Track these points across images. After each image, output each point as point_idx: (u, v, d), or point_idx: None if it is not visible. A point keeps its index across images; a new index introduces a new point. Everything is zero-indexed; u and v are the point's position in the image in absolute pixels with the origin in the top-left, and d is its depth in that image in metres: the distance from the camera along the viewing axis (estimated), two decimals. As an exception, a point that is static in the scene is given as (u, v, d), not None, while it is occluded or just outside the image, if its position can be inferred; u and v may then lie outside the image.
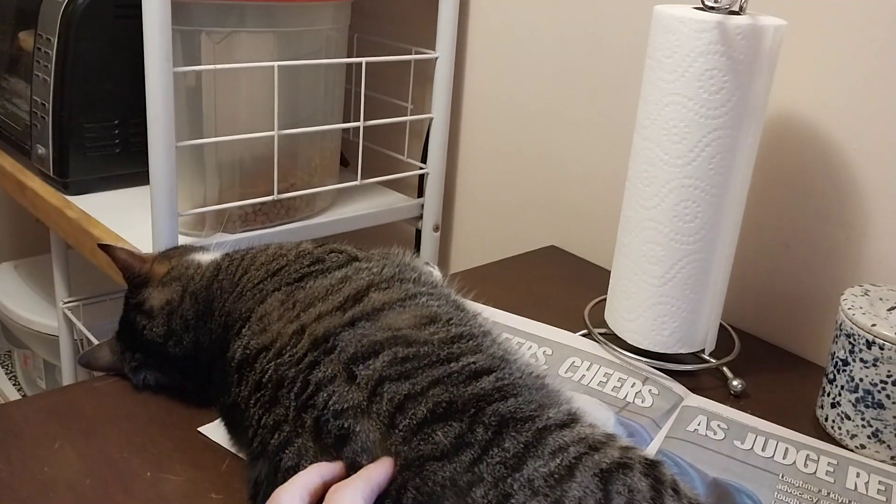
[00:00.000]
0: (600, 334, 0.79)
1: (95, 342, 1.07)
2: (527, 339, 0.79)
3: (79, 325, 1.10)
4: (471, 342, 0.53)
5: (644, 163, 0.72)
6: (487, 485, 0.44)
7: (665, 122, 0.69)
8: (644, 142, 0.71)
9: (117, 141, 1.05)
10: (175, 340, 0.62)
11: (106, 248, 0.68)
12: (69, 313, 1.13)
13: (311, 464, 0.48)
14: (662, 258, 0.72)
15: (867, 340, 0.65)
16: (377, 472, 0.45)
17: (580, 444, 0.46)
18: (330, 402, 0.49)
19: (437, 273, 0.70)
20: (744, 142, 0.69)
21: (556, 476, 0.44)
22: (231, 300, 0.60)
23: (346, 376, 0.50)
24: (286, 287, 0.59)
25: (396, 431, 0.47)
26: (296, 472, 0.47)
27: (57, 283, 1.15)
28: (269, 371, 0.53)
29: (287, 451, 0.50)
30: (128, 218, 0.95)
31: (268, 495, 0.49)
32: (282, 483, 0.47)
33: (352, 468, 0.47)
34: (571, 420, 0.48)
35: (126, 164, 1.05)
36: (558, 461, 0.44)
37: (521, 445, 0.45)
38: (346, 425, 0.48)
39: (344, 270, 0.60)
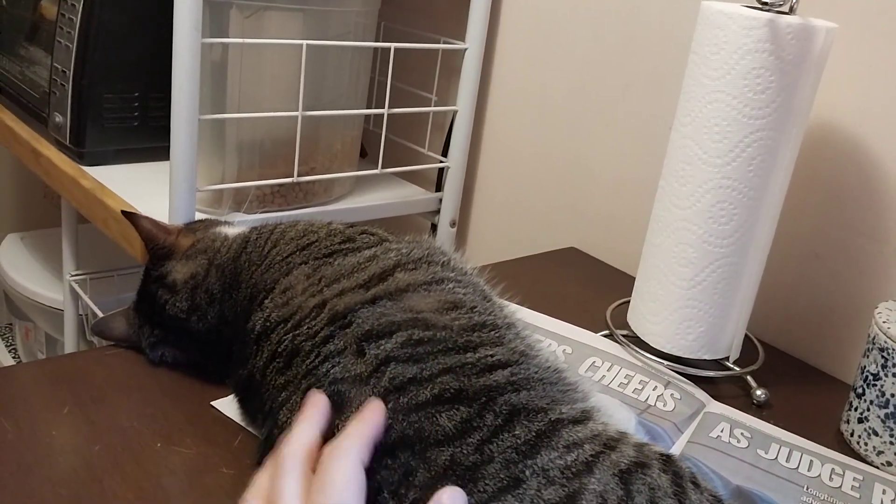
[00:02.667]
0: (623, 336, 0.77)
1: (101, 316, 1.05)
2: (546, 336, 0.77)
3: (85, 298, 1.09)
4: (492, 333, 0.51)
5: (681, 161, 0.70)
6: (497, 465, 0.42)
7: (706, 120, 0.67)
8: (683, 139, 0.70)
9: (136, 114, 1.03)
10: (199, 316, 0.61)
11: (130, 216, 0.66)
12: (76, 286, 1.11)
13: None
14: (694, 260, 0.71)
15: (902, 355, 0.63)
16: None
17: (594, 441, 0.44)
18: (331, 371, 0.48)
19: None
20: (785, 145, 0.68)
21: (573, 470, 0.42)
22: (258, 272, 0.59)
23: (354, 350, 0.49)
24: (314, 262, 0.57)
25: (388, 406, 0.45)
26: (288, 425, 0.46)
27: (65, 255, 1.13)
28: (286, 342, 0.52)
29: (284, 409, 0.49)
30: (143, 191, 0.93)
31: (265, 453, 0.48)
32: (277, 439, 0.46)
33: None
34: (584, 417, 0.47)
35: (143, 139, 1.04)
36: (574, 456, 0.43)
37: (534, 434, 0.44)
38: (340, 390, 0.47)
39: (373, 250, 0.58)
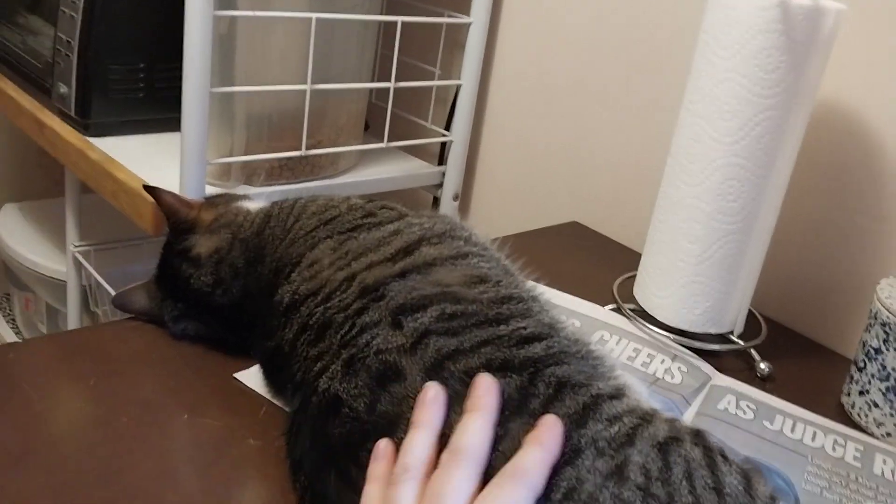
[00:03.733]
0: (630, 310, 0.79)
1: (106, 287, 1.06)
2: (559, 313, 0.78)
3: (90, 269, 1.09)
4: (520, 305, 0.53)
5: (690, 139, 0.71)
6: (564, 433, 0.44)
7: (716, 99, 0.68)
8: (692, 118, 0.71)
9: (142, 85, 1.02)
10: (223, 289, 0.62)
11: (152, 190, 0.67)
12: (80, 257, 1.11)
13: (343, 388, 0.47)
14: (701, 237, 0.72)
15: (904, 330, 0.65)
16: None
17: (632, 414, 0.46)
18: (372, 342, 0.49)
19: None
20: (793, 124, 0.69)
21: (617, 441, 0.44)
22: (283, 246, 0.60)
23: (390, 322, 0.50)
24: (338, 236, 0.58)
25: (448, 373, 0.46)
26: (329, 392, 0.47)
27: (69, 226, 1.13)
28: (318, 314, 0.53)
29: (323, 377, 0.49)
30: (151, 163, 0.93)
31: (298, 423, 0.50)
32: (313, 414, 0.47)
33: (395, 405, 0.46)
34: (620, 393, 0.48)
35: (148, 110, 1.03)
36: (616, 428, 0.44)
37: (581, 406, 0.45)
38: (389, 359, 0.47)
39: (396, 224, 0.59)
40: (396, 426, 0.46)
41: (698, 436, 0.46)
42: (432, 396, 0.45)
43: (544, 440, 0.43)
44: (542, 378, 0.46)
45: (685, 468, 0.43)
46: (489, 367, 0.46)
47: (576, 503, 0.41)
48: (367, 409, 0.47)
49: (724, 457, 0.45)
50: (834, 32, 0.67)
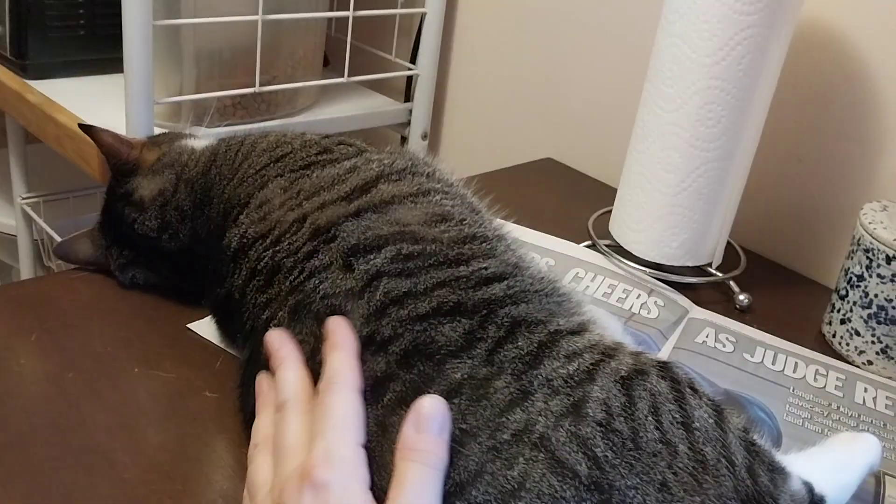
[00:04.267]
0: (605, 245, 0.76)
1: (59, 240, 1.01)
2: (529, 249, 0.75)
3: (40, 222, 1.03)
4: (483, 244, 0.50)
5: (668, 61, 0.67)
6: (508, 377, 0.41)
7: (695, 17, 0.65)
8: (670, 38, 0.67)
9: (82, 22, 0.96)
10: (170, 234, 0.57)
11: (89, 130, 0.61)
12: (29, 210, 1.05)
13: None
14: (679, 165, 0.69)
15: (887, 255, 0.63)
16: (348, 344, 0.43)
17: (593, 350, 0.44)
18: (320, 287, 0.46)
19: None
20: (775, 43, 0.65)
21: (575, 378, 0.41)
22: (231, 187, 0.56)
23: (341, 264, 0.46)
24: (290, 174, 0.54)
25: (388, 320, 0.43)
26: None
27: (14, 177, 1.07)
28: (266, 258, 0.50)
29: (270, 327, 0.47)
30: (95, 106, 0.87)
31: (249, 374, 0.48)
32: (261, 363, 0.46)
33: None
34: (581, 328, 0.46)
35: (91, 50, 0.97)
36: (575, 365, 0.42)
37: (535, 345, 0.43)
38: (333, 304, 0.45)
39: (353, 161, 0.55)
40: None
41: (665, 368, 0.43)
42: (278, 341, 0.46)
43: (337, 341, 0.43)
44: (495, 319, 0.44)
45: (651, 402, 0.41)
46: (439, 311, 0.43)
47: (527, 446, 0.39)
48: (310, 357, 0.44)
49: (694, 389, 0.42)
50: (817, -57, 0.63)
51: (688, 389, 0.43)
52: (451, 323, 0.43)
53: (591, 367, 0.42)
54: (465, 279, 0.46)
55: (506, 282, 0.46)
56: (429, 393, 0.40)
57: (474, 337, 0.43)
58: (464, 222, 0.51)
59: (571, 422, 0.39)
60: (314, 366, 0.44)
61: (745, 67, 0.65)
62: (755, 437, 0.43)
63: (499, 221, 0.57)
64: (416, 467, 0.38)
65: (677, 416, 0.41)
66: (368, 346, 0.43)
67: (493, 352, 0.42)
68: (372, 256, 0.46)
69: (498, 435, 0.39)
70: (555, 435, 0.39)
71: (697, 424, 0.41)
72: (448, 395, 0.40)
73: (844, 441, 0.49)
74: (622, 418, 0.40)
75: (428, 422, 0.39)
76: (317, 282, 0.46)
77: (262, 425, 0.44)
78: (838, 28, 0.76)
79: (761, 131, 0.71)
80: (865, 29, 0.74)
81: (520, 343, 0.43)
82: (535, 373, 0.41)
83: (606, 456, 0.38)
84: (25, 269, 1.13)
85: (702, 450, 0.40)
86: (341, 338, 0.43)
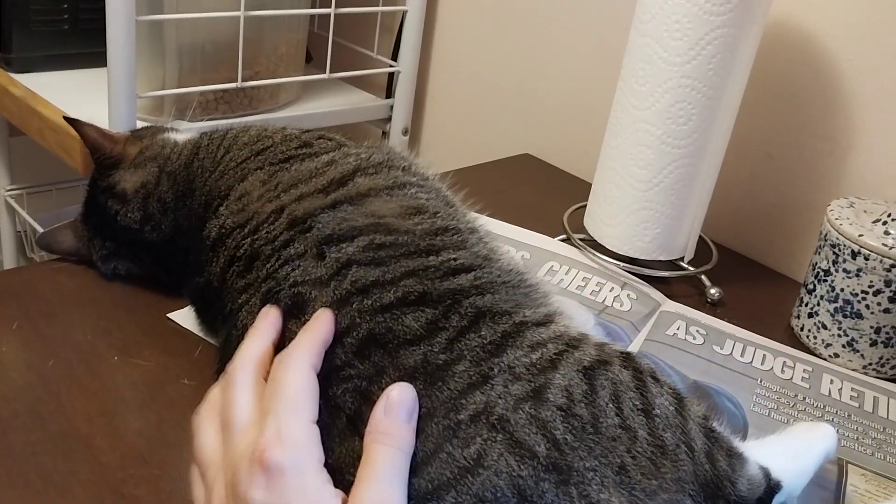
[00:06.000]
0: (579, 240, 0.77)
1: (41, 231, 1.01)
2: (504, 243, 0.77)
3: (23, 214, 1.04)
4: (455, 237, 0.51)
5: (641, 61, 0.69)
6: (467, 363, 0.42)
7: (666, 18, 0.66)
8: (642, 38, 0.68)
9: (66, 16, 0.97)
10: (152, 225, 0.58)
11: (74, 123, 0.62)
12: (12, 201, 1.06)
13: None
14: (651, 161, 0.70)
15: (853, 251, 0.65)
16: (319, 330, 0.43)
17: (557, 341, 0.45)
18: (291, 275, 0.47)
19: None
20: (745, 43, 0.67)
21: (538, 366, 0.43)
22: (212, 179, 0.57)
23: (314, 253, 0.47)
24: (269, 167, 0.55)
25: (350, 309, 0.44)
26: (246, 329, 0.46)
27: (-3, 169, 1.08)
28: (245, 246, 0.51)
29: (242, 311, 0.48)
30: (79, 99, 0.88)
31: (223, 359, 0.48)
32: (234, 346, 0.45)
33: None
34: (547, 320, 0.47)
35: (75, 44, 0.98)
36: (538, 354, 0.43)
37: (499, 335, 0.44)
38: (301, 292, 0.46)
39: (331, 154, 0.56)
40: None
41: (628, 359, 0.44)
42: (262, 314, 0.46)
43: (309, 325, 0.43)
44: (459, 309, 0.44)
45: (612, 391, 0.42)
46: (404, 301, 0.44)
47: (485, 426, 0.40)
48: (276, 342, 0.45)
49: (655, 378, 0.44)
50: (785, -55, 0.65)
51: (649, 378, 0.44)
52: (413, 313, 0.44)
53: (554, 356, 0.43)
54: (433, 269, 0.47)
55: (473, 273, 0.47)
56: (383, 382, 0.41)
57: (436, 326, 0.43)
58: (437, 215, 0.52)
59: (532, 405, 0.40)
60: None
61: (715, 67, 0.67)
62: (714, 425, 0.44)
63: (473, 215, 0.58)
64: (385, 450, 0.39)
65: (638, 403, 0.42)
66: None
67: (454, 340, 0.43)
68: (344, 245, 0.47)
69: (454, 416, 0.40)
70: (514, 416, 0.40)
71: (658, 411, 0.42)
72: (402, 381, 0.41)
73: (802, 430, 0.50)
74: (583, 404, 0.41)
75: (397, 407, 0.40)
76: (289, 269, 0.47)
77: (214, 392, 0.44)
78: (807, 28, 0.77)
79: (732, 129, 0.72)
80: (834, 29, 0.76)
81: (483, 332, 0.44)
82: (496, 360, 0.42)
83: (566, 438, 0.40)
84: (8, 261, 1.13)
85: (661, 435, 0.41)
86: (317, 323, 0.44)
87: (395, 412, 0.40)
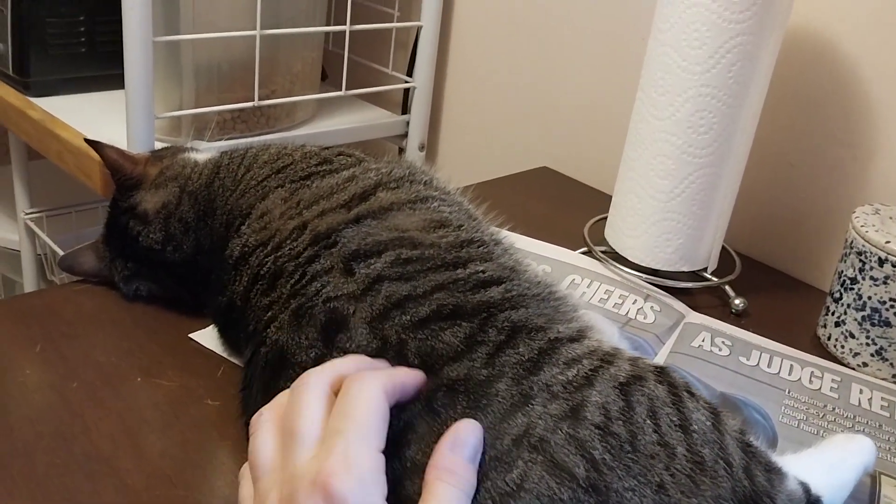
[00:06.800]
0: (601, 252, 0.77)
1: (62, 254, 1.02)
2: (525, 257, 0.76)
3: (43, 237, 1.04)
4: (481, 248, 0.50)
5: (659, 70, 0.68)
6: (508, 380, 0.42)
7: (686, 27, 0.66)
8: (661, 47, 0.68)
9: (83, 39, 0.97)
10: (174, 246, 0.59)
11: (95, 145, 0.63)
12: (32, 225, 1.06)
13: (291, 340, 0.45)
14: (672, 171, 0.70)
15: (879, 258, 0.64)
16: (407, 376, 0.41)
17: (592, 356, 0.44)
18: (322, 291, 0.46)
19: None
20: (765, 50, 0.66)
21: (574, 384, 0.42)
22: (233, 198, 0.57)
23: (342, 269, 0.47)
24: (290, 185, 0.55)
25: (391, 324, 0.44)
26: (277, 344, 0.45)
27: (17, 192, 1.08)
28: (268, 264, 0.51)
29: (271, 327, 0.47)
30: (97, 122, 0.89)
31: (250, 376, 0.48)
32: (262, 365, 0.45)
33: (340, 355, 0.43)
34: (580, 335, 0.47)
35: (92, 66, 0.99)
36: (574, 371, 0.43)
37: (536, 352, 0.43)
38: (336, 307, 0.45)
39: (352, 170, 0.56)
40: None
41: (662, 373, 0.44)
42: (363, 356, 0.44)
43: (400, 368, 0.42)
44: (495, 323, 0.44)
45: (649, 406, 0.41)
46: (439, 314, 0.44)
47: (526, 448, 0.39)
48: (315, 362, 0.44)
49: (691, 393, 0.43)
50: (803, -49, 0.64)
51: (685, 393, 0.43)
52: (451, 328, 0.43)
53: (590, 372, 0.43)
54: (462, 282, 0.46)
55: (503, 285, 0.47)
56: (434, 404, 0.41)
57: (475, 340, 0.43)
58: (461, 228, 0.52)
59: (570, 425, 0.40)
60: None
61: (735, 75, 0.66)
62: (751, 439, 0.43)
63: (495, 227, 0.58)
64: (449, 489, 0.37)
65: (675, 419, 0.41)
66: (383, 353, 0.43)
67: (495, 355, 0.43)
68: (372, 261, 0.47)
69: (499, 444, 0.40)
70: (553, 437, 0.39)
71: (695, 427, 0.41)
72: (448, 395, 0.41)
73: (840, 442, 0.49)
74: (620, 422, 0.40)
75: (463, 445, 0.39)
76: (319, 286, 0.47)
77: (281, 396, 0.41)
78: (828, 35, 0.77)
79: (753, 137, 0.72)
80: (855, 35, 0.75)
81: (520, 349, 0.43)
82: (534, 378, 0.42)
83: (604, 458, 0.39)
84: (29, 284, 1.14)
85: (699, 451, 0.40)
86: (406, 371, 0.42)
87: (462, 450, 0.38)
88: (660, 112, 0.69)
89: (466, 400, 0.41)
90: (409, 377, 0.42)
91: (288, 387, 0.42)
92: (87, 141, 0.64)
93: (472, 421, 0.40)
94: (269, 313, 0.48)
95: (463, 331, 0.43)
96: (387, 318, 0.44)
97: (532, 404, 0.41)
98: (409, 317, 0.44)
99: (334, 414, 0.38)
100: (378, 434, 0.38)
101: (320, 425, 0.38)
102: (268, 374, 0.46)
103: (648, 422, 0.41)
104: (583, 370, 0.43)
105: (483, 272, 0.48)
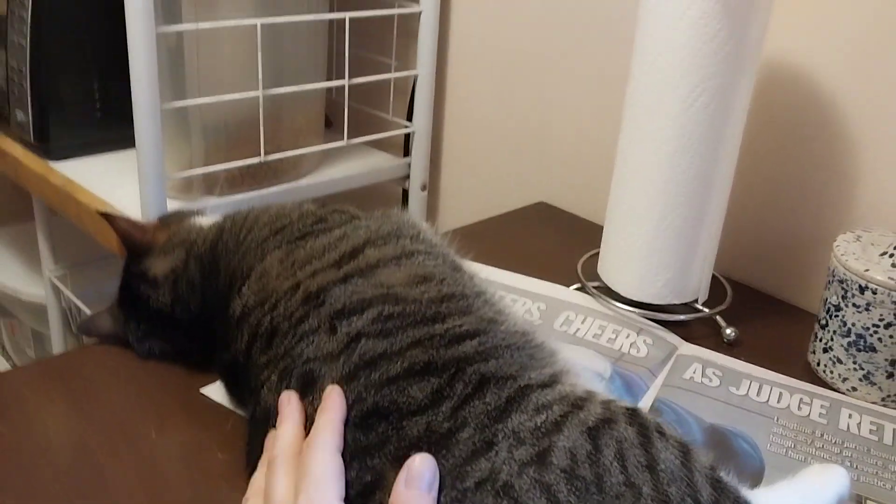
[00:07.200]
0: (594, 287, 0.79)
1: (84, 309, 1.07)
2: (521, 295, 0.79)
3: (67, 293, 1.09)
4: (461, 302, 0.53)
5: (639, 112, 0.71)
6: (471, 429, 0.44)
7: (660, 71, 0.69)
8: (638, 91, 0.71)
9: (98, 104, 1.03)
10: (182, 307, 0.62)
11: (107, 218, 0.67)
12: (56, 282, 1.11)
13: (274, 400, 0.50)
14: (656, 209, 0.73)
15: (860, 286, 0.66)
16: (335, 409, 0.46)
17: (562, 402, 0.46)
18: (305, 351, 0.50)
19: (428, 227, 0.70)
20: (738, 89, 0.69)
21: (542, 430, 0.44)
22: (235, 260, 0.60)
23: (327, 327, 0.50)
24: (287, 245, 0.59)
25: (359, 382, 0.47)
26: (266, 404, 0.50)
27: (42, 252, 1.14)
28: (266, 323, 0.54)
29: (264, 388, 0.51)
30: (113, 182, 0.94)
31: (253, 432, 0.51)
32: (261, 422, 0.50)
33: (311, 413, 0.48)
34: (552, 381, 0.48)
35: (108, 129, 1.04)
36: (543, 417, 0.45)
37: (504, 400, 0.45)
38: (312, 368, 0.49)
39: (343, 228, 0.60)
40: None
41: (634, 415, 0.46)
42: (285, 399, 0.49)
43: (326, 405, 0.46)
44: (464, 377, 0.46)
45: (617, 449, 0.43)
46: (410, 371, 0.47)
47: (490, 493, 0.41)
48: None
49: (661, 433, 0.45)
50: (769, -5, 0.67)
51: (655, 434, 0.45)
52: (419, 383, 0.46)
53: (559, 418, 0.45)
54: (438, 337, 0.49)
55: (478, 338, 0.49)
56: (387, 452, 0.44)
57: (441, 395, 0.45)
58: (443, 281, 0.54)
59: (535, 469, 0.42)
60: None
61: (711, 114, 0.69)
62: (722, 474, 0.45)
63: (482, 276, 0.60)
64: None
65: (642, 459, 0.43)
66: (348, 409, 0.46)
67: (458, 408, 0.45)
68: (354, 318, 0.50)
69: (460, 484, 0.42)
70: (518, 482, 0.41)
71: (662, 466, 0.43)
72: (407, 451, 0.43)
73: (814, 473, 0.51)
74: (587, 465, 0.42)
75: (418, 479, 0.42)
76: (304, 345, 0.50)
77: (257, 478, 0.48)
78: (809, 64, 0.79)
79: (734, 171, 0.74)
80: (835, 64, 0.78)
81: (487, 399, 0.45)
82: (500, 426, 0.44)
83: (569, 500, 0.41)
84: (55, 336, 1.19)
85: (666, 490, 0.42)
86: (330, 403, 0.47)
87: (416, 483, 0.42)
88: (641, 152, 0.72)
89: (428, 449, 0.43)
90: (337, 409, 0.46)
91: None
92: (100, 213, 0.68)
93: (423, 454, 0.43)
94: (265, 372, 0.51)
95: (430, 385, 0.46)
96: (355, 377, 0.47)
97: (496, 449, 0.43)
98: (377, 375, 0.47)
99: (299, 484, 0.44)
100: (334, 486, 0.43)
101: (289, 492, 0.44)
102: (263, 429, 0.49)
103: (615, 463, 0.42)
104: (552, 416, 0.45)
105: (460, 326, 0.50)
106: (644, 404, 0.65)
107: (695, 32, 0.66)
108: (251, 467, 0.51)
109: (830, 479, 0.50)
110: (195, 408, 0.61)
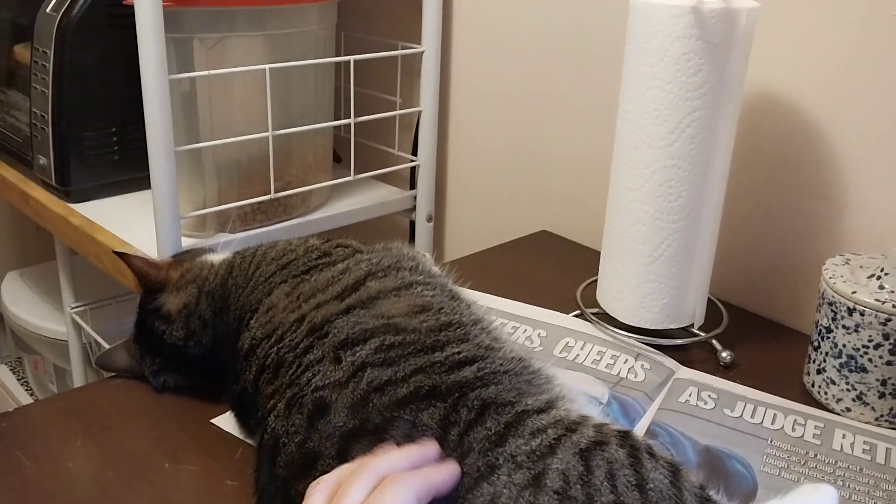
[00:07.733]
0: (592, 314, 0.82)
1: (104, 344, 1.10)
2: (521, 322, 0.82)
3: (87, 329, 1.13)
4: (458, 331, 0.55)
5: (628, 146, 0.74)
6: (476, 455, 0.46)
7: (646, 106, 0.71)
8: (627, 125, 0.74)
9: (116, 148, 1.07)
10: (195, 341, 0.65)
11: (122, 256, 0.71)
12: (77, 318, 1.15)
13: (281, 427, 0.51)
14: (649, 237, 0.75)
15: (848, 308, 0.68)
16: (439, 475, 0.45)
17: (557, 426, 0.48)
18: (312, 380, 0.52)
19: (428, 258, 0.73)
20: (723, 121, 0.72)
21: (537, 453, 0.46)
22: (245, 295, 0.63)
23: (332, 357, 0.53)
24: (292, 279, 0.62)
25: (371, 406, 0.49)
26: (274, 432, 0.51)
27: (63, 289, 1.18)
28: (272, 355, 0.57)
29: (271, 416, 0.53)
30: (131, 222, 0.97)
31: (259, 459, 0.53)
32: (267, 449, 0.50)
33: (319, 442, 0.49)
34: (548, 406, 0.51)
35: (126, 170, 1.08)
36: (538, 441, 0.47)
37: (502, 425, 0.48)
38: (322, 396, 0.51)
39: (346, 262, 0.63)
40: (314, 464, 0.48)
41: (625, 437, 0.48)
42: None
43: (437, 467, 0.46)
44: (467, 402, 0.49)
45: (607, 470, 0.45)
46: (417, 395, 0.49)
47: None
48: (298, 447, 0.50)
49: (651, 454, 0.47)
50: (749, 29, 0.70)
51: (645, 455, 0.47)
52: (428, 409, 0.48)
53: (553, 441, 0.47)
54: (439, 364, 0.52)
55: (476, 364, 0.52)
56: None
57: (448, 422, 0.48)
58: (441, 311, 0.57)
59: (531, 492, 0.44)
60: (300, 456, 0.49)
61: (696, 146, 0.71)
62: (711, 493, 0.47)
63: (478, 304, 0.63)
64: None
65: (632, 479, 0.45)
66: (360, 434, 0.48)
67: (464, 434, 0.47)
68: (358, 348, 0.53)
69: None
70: None
71: (651, 485, 0.45)
72: None
73: (803, 493, 0.52)
74: (578, 486, 0.44)
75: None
76: (310, 375, 0.52)
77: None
78: (789, 95, 0.82)
79: (723, 198, 0.76)
80: (822, 93, 0.80)
81: (488, 424, 0.48)
82: (500, 450, 0.46)
83: None
84: (76, 371, 1.22)
85: None
86: (441, 468, 0.45)
87: None
88: (631, 183, 0.75)
89: None
90: (441, 476, 0.45)
91: (280, 471, 0.49)
92: (117, 253, 0.72)
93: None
94: (272, 401, 0.54)
95: (438, 411, 0.48)
96: (367, 401, 0.49)
97: (498, 474, 0.45)
98: (387, 398, 0.49)
99: (370, 499, 0.43)
100: None
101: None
102: (269, 457, 0.52)
103: (606, 483, 0.45)
104: (546, 439, 0.47)
105: (459, 353, 0.53)
106: (640, 428, 0.67)
107: (678, 68, 0.69)
108: (258, 495, 0.54)
109: (818, 498, 0.51)
110: (206, 438, 0.64)
